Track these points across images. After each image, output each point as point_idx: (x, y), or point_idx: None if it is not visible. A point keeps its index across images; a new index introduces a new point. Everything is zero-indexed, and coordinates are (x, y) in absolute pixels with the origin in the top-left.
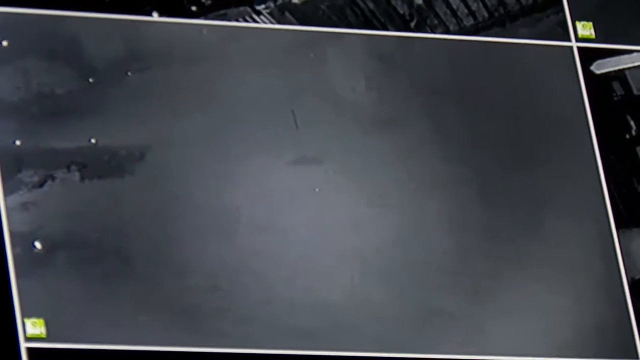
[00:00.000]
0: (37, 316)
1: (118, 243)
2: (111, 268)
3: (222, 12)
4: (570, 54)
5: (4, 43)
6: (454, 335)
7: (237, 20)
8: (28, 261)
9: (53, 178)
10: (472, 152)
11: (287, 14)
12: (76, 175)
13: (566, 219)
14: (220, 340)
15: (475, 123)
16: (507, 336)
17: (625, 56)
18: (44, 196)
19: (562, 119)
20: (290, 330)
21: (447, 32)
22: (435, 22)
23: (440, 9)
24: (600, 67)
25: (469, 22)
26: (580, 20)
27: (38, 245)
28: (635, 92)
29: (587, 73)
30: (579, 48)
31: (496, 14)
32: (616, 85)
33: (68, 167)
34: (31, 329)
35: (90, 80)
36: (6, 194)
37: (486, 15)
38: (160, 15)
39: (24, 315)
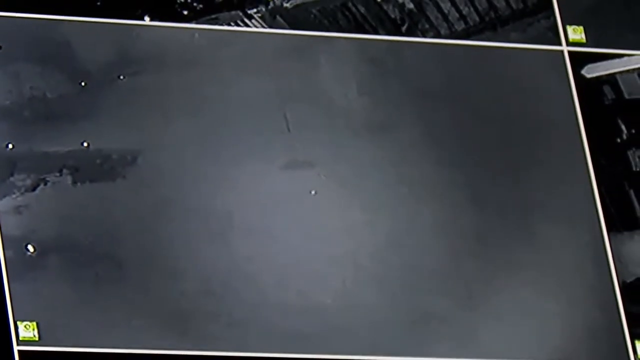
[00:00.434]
0: (30, 319)
1: (110, 247)
2: (104, 272)
3: (213, 16)
4: (561, 58)
5: None
6: (446, 339)
7: (228, 25)
8: (20, 264)
9: (45, 182)
10: (464, 156)
11: (278, 18)
12: (68, 179)
13: (558, 223)
14: (213, 344)
15: (466, 127)
16: (499, 340)
17: (616, 60)
18: (37, 200)
19: (553, 123)
20: (283, 334)
21: (439, 36)
22: (427, 26)
23: (432, 13)
24: (591, 71)
25: (460, 26)
26: (571, 24)
27: (30, 248)
28: (626, 96)
29: (578, 77)
30: (569, 52)
31: (487, 18)
32: (607, 89)
33: (60, 171)
34: (23, 332)
35: (83, 84)
36: None
37: (477, 19)
38: (152, 19)
39: (17, 318)
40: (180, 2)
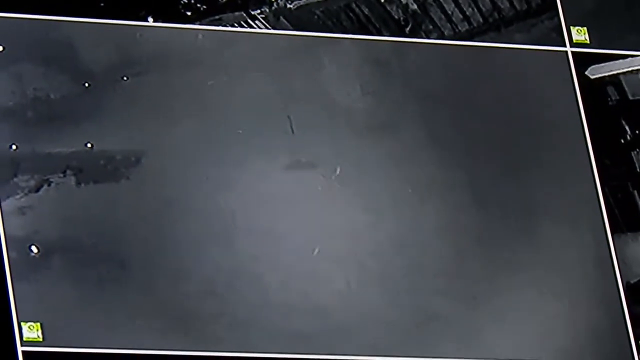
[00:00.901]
0: (34, 320)
1: (114, 247)
2: (107, 272)
3: (217, 17)
4: (565, 59)
5: None
6: (450, 339)
7: (232, 26)
8: (24, 265)
9: (49, 183)
10: (467, 156)
11: (282, 19)
12: (72, 180)
13: (561, 224)
14: (216, 345)
15: (470, 128)
16: (503, 340)
17: (620, 61)
18: (40, 201)
19: (557, 123)
20: (286, 335)
21: (442, 37)
22: (430, 27)
23: (435, 14)
24: (595, 72)
25: (463, 27)
26: (574, 25)
27: (34, 249)
28: (630, 96)
29: (582, 78)
30: (573, 53)
31: (491, 19)
32: (611, 90)
33: (64, 172)
34: (27, 332)
35: (86, 85)
36: (2, 198)
37: (481, 20)
38: (156, 20)
39: (21, 319)
40: (184, 3)
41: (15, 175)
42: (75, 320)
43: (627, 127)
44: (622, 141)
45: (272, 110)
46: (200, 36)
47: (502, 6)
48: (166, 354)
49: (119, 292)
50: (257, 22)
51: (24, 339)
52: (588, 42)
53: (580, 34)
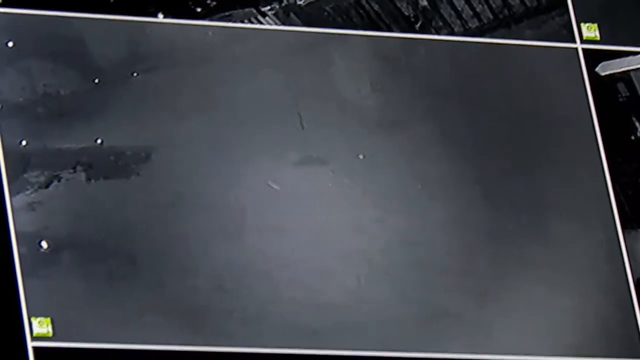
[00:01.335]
0: (44, 315)
1: (124, 243)
2: (117, 268)
3: (227, 13)
4: (575, 56)
5: (10, 44)
6: (459, 335)
7: (242, 22)
8: (34, 261)
9: (59, 178)
10: (477, 153)
11: (292, 15)
12: (82, 176)
13: (572, 220)
14: (226, 340)
15: (480, 124)
16: (513, 336)
17: (630, 57)
18: (50, 196)
19: (567, 120)
20: (295, 330)
21: (452, 33)
22: (440, 23)
23: (445, 11)
24: (605, 69)
25: (473, 23)
26: (585, 22)
27: (44, 245)
28: None
29: (592, 74)
30: (583, 50)
31: (501, 16)
32: (621, 87)
33: (74, 168)
34: (38, 328)
35: (96, 81)
36: (12, 194)
37: (491, 17)
38: (165, 16)
39: (31, 314)
40: None
41: (25, 171)
42: (85, 316)
43: (637, 124)
44: (633, 137)
45: (282, 106)
46: (210, 33)
47: (512, 3)
48: (175, 349)
49: (128, 288)
50: (267, 18)
51: (34, 335)
52: (598, 38)
53: (590, 31)
